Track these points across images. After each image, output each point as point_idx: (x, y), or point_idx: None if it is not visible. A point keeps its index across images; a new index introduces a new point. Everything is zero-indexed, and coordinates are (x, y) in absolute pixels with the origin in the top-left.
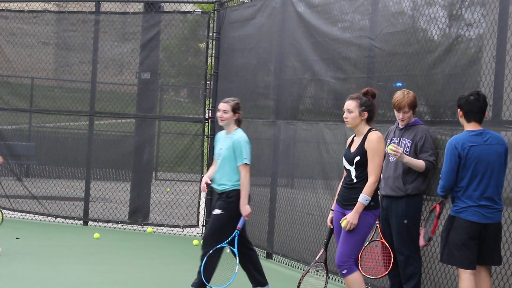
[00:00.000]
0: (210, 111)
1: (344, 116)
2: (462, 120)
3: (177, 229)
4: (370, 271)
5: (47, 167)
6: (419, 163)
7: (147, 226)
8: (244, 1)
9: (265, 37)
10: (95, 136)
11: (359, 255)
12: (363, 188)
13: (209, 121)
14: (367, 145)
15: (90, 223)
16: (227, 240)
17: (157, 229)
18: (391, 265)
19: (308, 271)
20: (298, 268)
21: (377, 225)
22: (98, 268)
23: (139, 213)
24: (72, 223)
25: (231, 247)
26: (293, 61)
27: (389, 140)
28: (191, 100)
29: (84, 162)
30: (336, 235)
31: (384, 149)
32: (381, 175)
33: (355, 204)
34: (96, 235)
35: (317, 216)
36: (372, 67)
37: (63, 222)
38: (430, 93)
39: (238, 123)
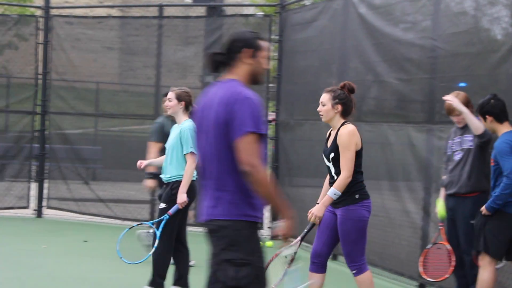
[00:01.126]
0: (273, 113)
1: (318, 109)
2: (493, 125)
3: None
4: (433, 273)
5: (113, 170)
6: (477, 121)
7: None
8: (305, 4)
9: (327, 39)
10: None
11: (421, 259)
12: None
13: (273, 123)
14: (338, 140)
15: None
16: (155, 221)
17: None
18: (452, 268)
19: (277, 255)
20: None
21: (440, 227)
22: None
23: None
24: None
25: (155, 229)
26: (356, 63)
27: (450, 141)
28: None
29: None
30: (319, 231)
31: (356, 142)
32: (446, 175)
33: (342, 201)
34: None
35: (383, 217)
36: (435, 67)
37: (129, 225)
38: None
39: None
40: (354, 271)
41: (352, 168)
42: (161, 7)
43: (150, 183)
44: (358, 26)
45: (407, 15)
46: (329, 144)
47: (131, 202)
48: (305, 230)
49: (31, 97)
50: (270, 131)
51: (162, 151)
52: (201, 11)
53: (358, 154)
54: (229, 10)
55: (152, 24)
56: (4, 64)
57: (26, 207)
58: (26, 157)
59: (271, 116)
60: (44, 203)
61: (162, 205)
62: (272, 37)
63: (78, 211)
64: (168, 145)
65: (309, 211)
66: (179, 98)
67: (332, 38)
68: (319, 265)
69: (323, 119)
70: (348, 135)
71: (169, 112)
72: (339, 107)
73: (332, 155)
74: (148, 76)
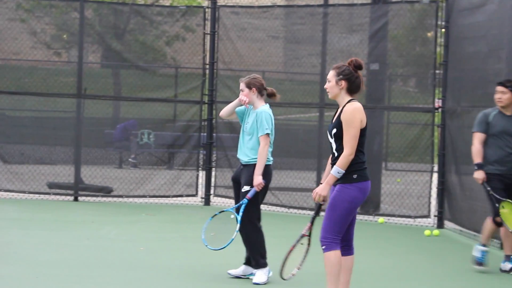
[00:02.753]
0: (440, 100)
1: (324, 86)
2: None
3: (408, 219)
4: None
5: (279, 159)
6: None
7: (378, 217)
8: None
9: (495, 24)
10: (325, 128)
11: None
12: None
13: (439, 110)
14: (342, 116)
15: (322, 213)
16: (235, 206)
17: (388, 219)
18: None
19: (294, 247)
20: None
21: None
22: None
23: (370, 203)
24: (304, 214)
25: (236, 214)
26: None
27: None
28: (420, 90)
29: (315, 153)
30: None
31: (361, 119)
32: None
33: (340, 179)
34: None
35: None
36: None
37: (295, 213)
38: None
39: (269, 96)
40: (323, 247)
41: (355, 146)
42: None
43: (478, 174)
44: None
45: None
46: (333, 120)
47: (297, 190)
48: (313, 213)
49: (198, 86)
50: (437, 119)
51: (485, 142)
52: None
53: (362, 133)
54: None
55: (317, 13)
56: (172, 55)
57: (194, 195)
58: (194, 146)
59: (437, 103)
60: (212, 191)
61: (246, 188)
62: (439, 23)
63: None
64: (246, 128)
65: (314, 190)
66: (249, 85)
67: (501, 23)
68: (345, 248)
69: (329, 96)
70: (352, 112)
71: (245, 102)
72: (343, 83)
73: (334, 131)
74: (313, 64)
